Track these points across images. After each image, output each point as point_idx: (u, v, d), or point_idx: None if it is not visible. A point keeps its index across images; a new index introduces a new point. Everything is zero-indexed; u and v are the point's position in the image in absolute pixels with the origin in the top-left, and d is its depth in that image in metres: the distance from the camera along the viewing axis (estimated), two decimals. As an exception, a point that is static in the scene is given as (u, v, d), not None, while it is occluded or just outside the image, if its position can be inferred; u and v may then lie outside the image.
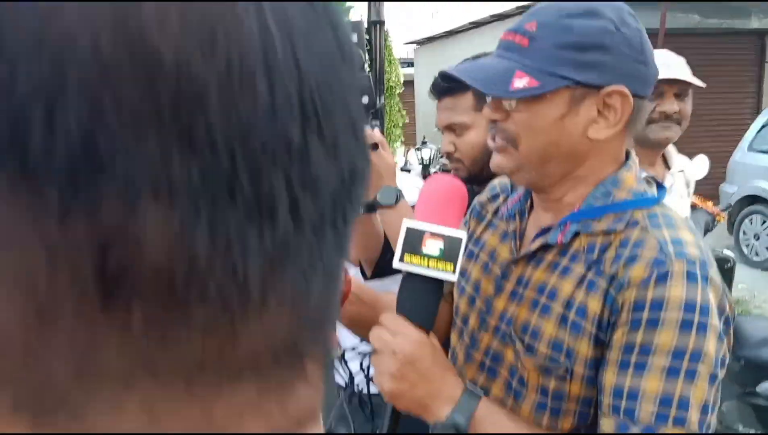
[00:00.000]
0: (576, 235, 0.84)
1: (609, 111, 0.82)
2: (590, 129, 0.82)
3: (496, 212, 1.01)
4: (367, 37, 2.85)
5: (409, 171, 5.60)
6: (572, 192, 0.87)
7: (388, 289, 1.76)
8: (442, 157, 1.75)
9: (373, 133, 1.35)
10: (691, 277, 0.75)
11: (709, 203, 2.96)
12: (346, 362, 1.45)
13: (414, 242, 0.81)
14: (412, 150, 7.71)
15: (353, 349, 1.49)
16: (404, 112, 2.77)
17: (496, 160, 0.88)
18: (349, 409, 1.43)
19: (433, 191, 0.87)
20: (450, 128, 1.44)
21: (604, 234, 0.82)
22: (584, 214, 0.84)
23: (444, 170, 1.72)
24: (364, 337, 1.03)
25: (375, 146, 1.32)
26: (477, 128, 1.40)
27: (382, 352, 0.81)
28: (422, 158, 6.68)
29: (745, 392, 2.35)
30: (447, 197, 0.86)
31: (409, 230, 0.82)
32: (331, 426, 1.51)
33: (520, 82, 0.79)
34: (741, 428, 2.40)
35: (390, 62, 2.62)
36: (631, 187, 0.86)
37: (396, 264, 0.82)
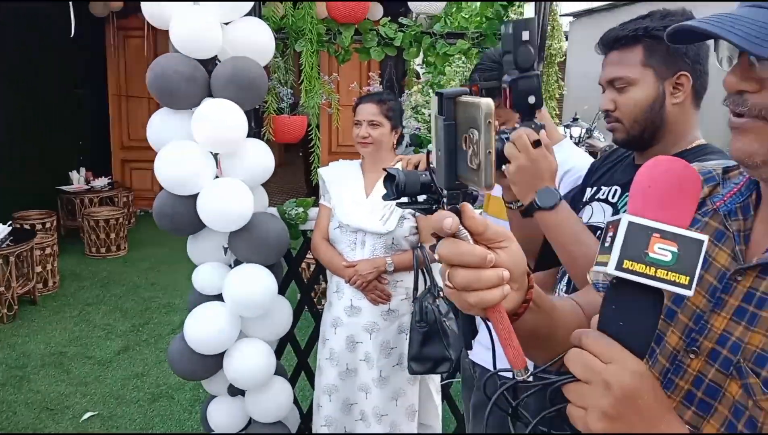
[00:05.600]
0: None
1: None
2: None
3: (701, 205, 0.83)
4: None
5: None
6: None
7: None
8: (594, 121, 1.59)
9: (538, 133, 1.24)
10: None
11: None
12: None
13: (637, 244, 0.63)
14: (561, 127, 7.35)
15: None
16: (562, 84, 2.60)
17: (739, 144, 0.70)
18: None
19: (657, 178, 0.67)
20: (612, 83, 1.35)
21: None
22: None
23: (590, 152, 1.59)
24: (537, 356, 0.84)
25: (537, 143, 1.21)
26: (642, 85, 1.32)
27: (590, 383, 0.63)
28: (571, 136, 6.34)
29: None
30: (678, 186, 0.66)
31: (631, 227, 0.63)
32: None
33: None
34: None
35: (553, 28, 2.45)
36: None
37: (612, 271, 0.64)
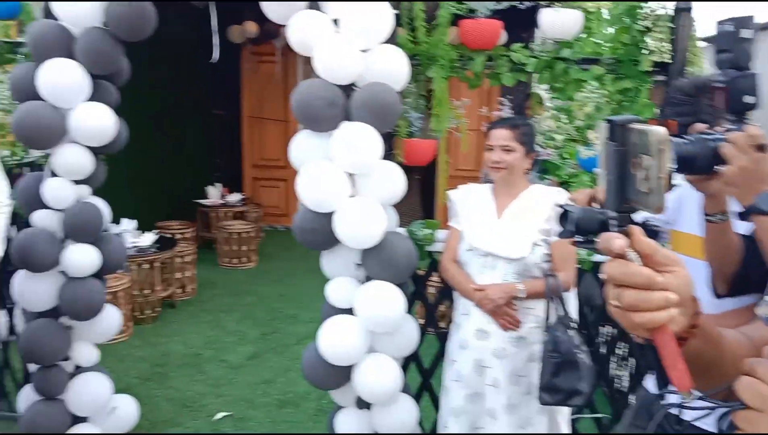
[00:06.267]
0: None
1: None
2: None
3: None
4: (673, 25, 2.57)
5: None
6: None
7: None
8: None
9: (760, 134, 1.20)
10: None
11: None
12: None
13: None
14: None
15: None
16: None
17: None
18: None
19: None
20: None
21: None
22: None
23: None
24: (699, 383, 0.80)
25: (761, 148, 1.18)
26: None
27: (763, 411, 0.63)
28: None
29: None
30: None
31: None
32: None
33: None
34: None
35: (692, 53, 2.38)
36: None
37: None
